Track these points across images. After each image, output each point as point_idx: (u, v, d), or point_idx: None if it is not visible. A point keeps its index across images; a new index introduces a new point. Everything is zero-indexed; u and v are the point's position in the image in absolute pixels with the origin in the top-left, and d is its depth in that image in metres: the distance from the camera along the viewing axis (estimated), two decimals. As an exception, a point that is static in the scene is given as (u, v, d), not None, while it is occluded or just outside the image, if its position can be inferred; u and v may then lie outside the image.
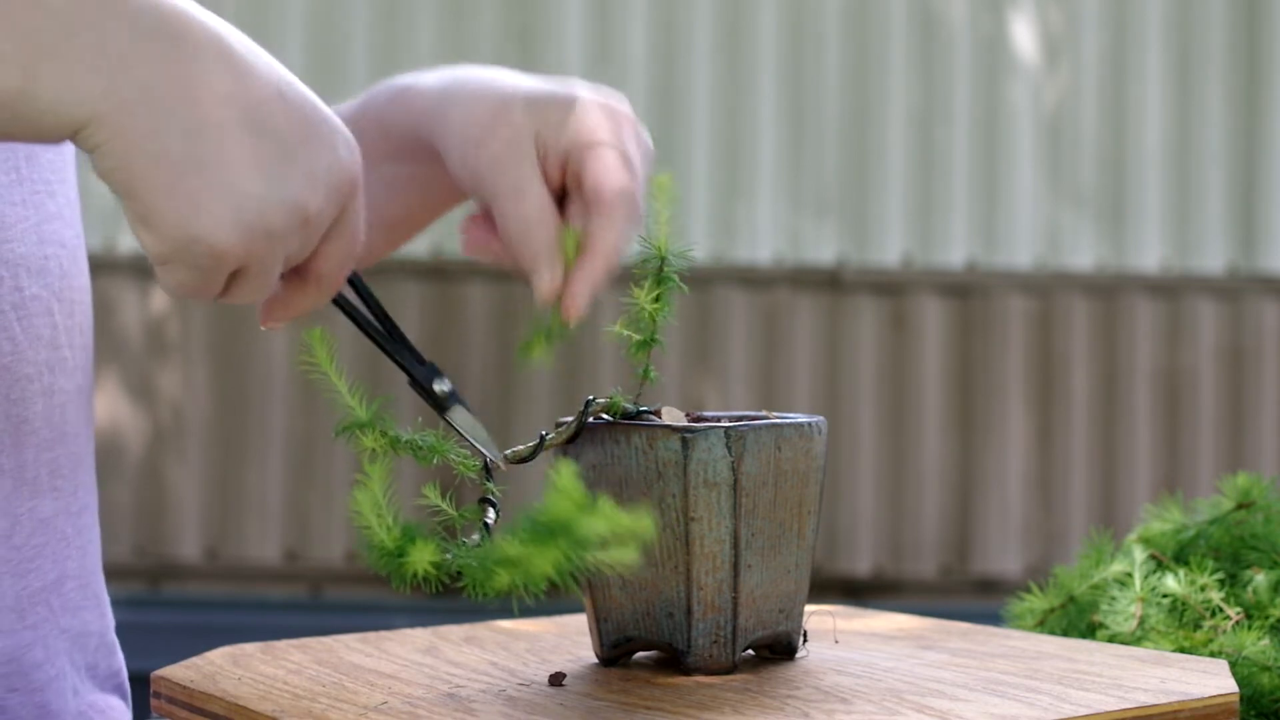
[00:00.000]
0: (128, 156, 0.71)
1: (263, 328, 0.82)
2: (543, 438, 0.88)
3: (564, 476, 0.70)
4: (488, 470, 0.88)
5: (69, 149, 0.99)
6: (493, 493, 0.87)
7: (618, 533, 0.70)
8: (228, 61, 0.73)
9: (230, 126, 0.72)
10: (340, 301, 0.84)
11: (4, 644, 0.91)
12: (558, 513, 0.70)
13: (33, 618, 0.92)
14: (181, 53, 0.71)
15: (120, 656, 1.03)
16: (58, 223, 0.96)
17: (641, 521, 0.70)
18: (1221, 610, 1.08)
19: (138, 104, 0.70)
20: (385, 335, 0.87)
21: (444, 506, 0.87)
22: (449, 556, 0.79)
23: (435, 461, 0.87)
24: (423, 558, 0.78)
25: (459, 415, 0.87)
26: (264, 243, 0.73)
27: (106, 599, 1.02)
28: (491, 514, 0.85)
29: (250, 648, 0.95)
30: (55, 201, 0.96)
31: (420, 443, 0.87)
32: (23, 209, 0.93)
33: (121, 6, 0.70)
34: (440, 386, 0.87)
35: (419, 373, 0.87)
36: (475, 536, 0.83)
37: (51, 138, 0.72)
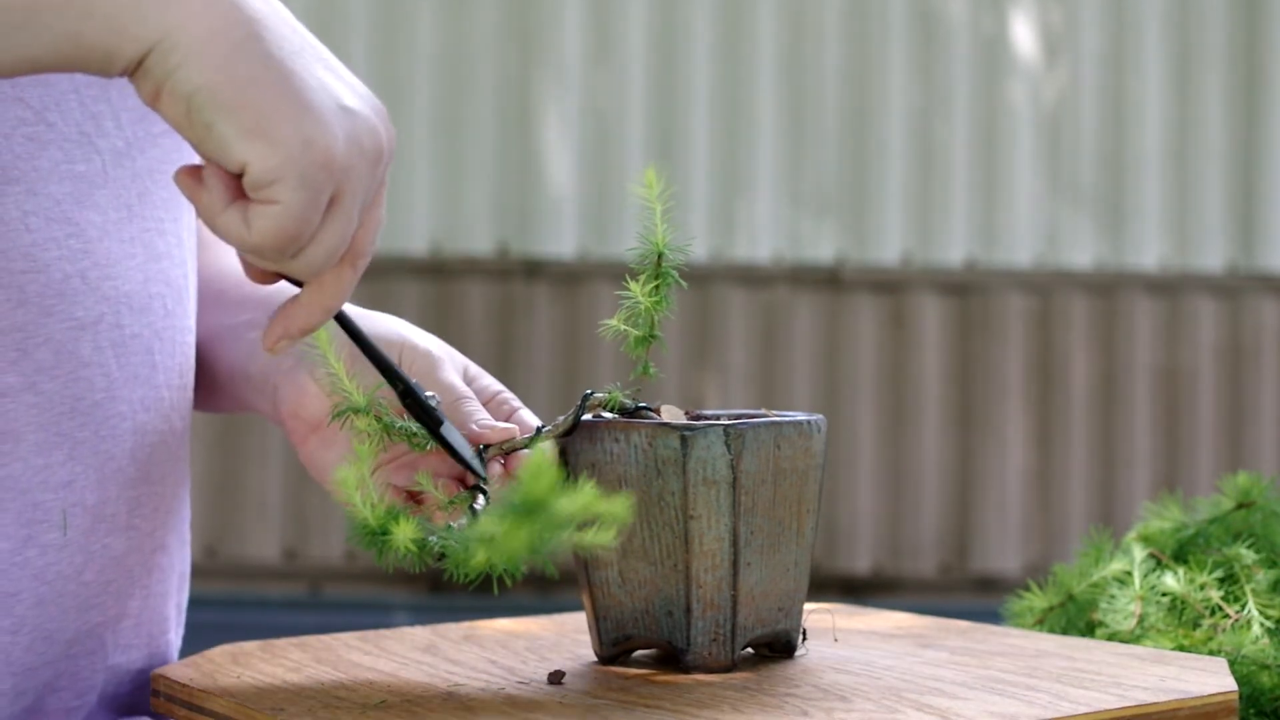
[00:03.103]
0: (226, 68, 0.70)
1: (268, 349, 0.81)
2: (539, 431, 0.89)
3: (539, 457, 0.70)
4: (481, 459, 0.88)
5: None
6: (484, 480, 0.87)
7: (592, 513, 0.71)
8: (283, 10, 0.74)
9: (307, 50, 0.73)
10: (341, 318, 0.84)
11: (45, 674, 0.90)
12: (532, 492, 0.71)
13: (77, 649, 0.92)
14: None
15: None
16: (166, 261, 0.95)
17: (618, 507, 0.71)
18: (1221, 609, 1.08)
19: (221, 19, 0.70)
20: (381, 354, 0.87)
21: (435, 492, 0.87)
22: (432, 538, 0.79)
23: (429, 448, 0.88)
24: (405, 535, 0.79)
25: (451, 431, 0.88)
26: (359, 158, 0.73)
27: (166, 640, 1.00)
28: (481, 500, 0.86)
29: (249, 646, 0.95)
30: (165, 240, 0.95)
31: (414, 429, 0.87)
32: (131, 246, 0.92)
33: None
34: (433, 403, 0.87)
35: (419, 388, 0.87)
36: (463, 520, 0.83)
37: (118, 58, 0.71)
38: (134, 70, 0.71)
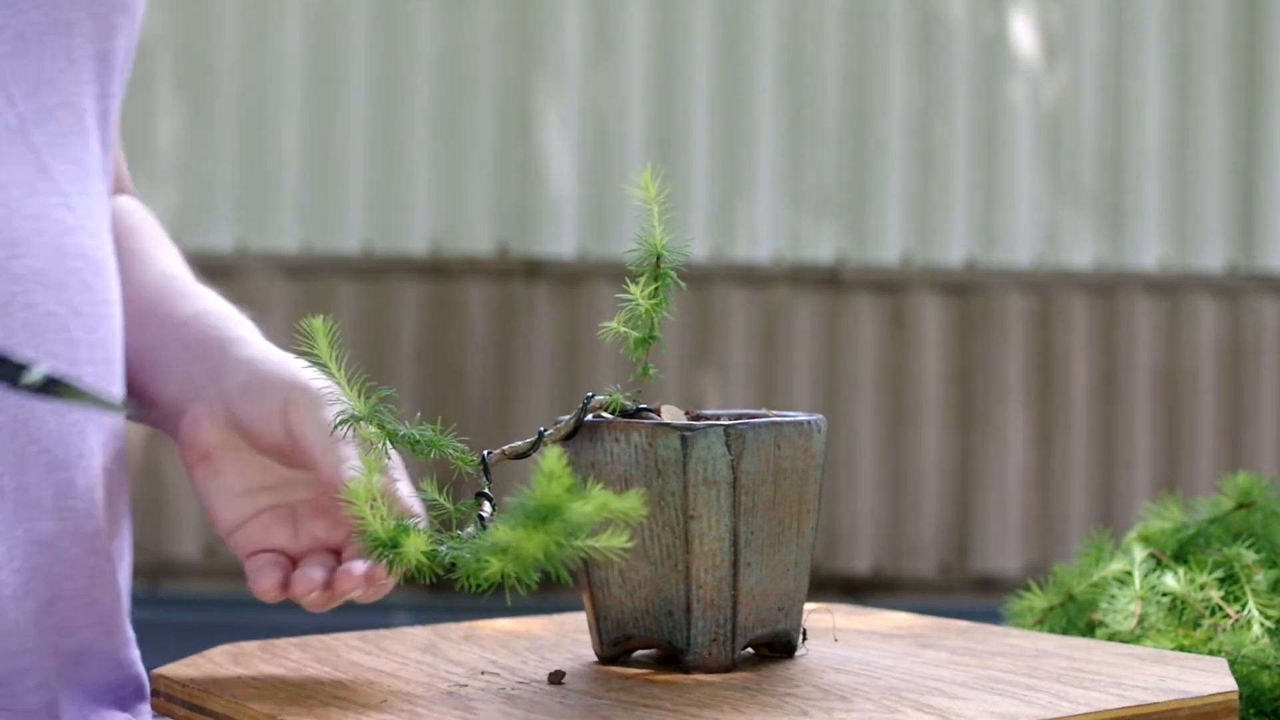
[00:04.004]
0: None
1: None
2: (541, 434, 0.88)
3: (552, 461, 0.69)
4: (485, 465, 0.88)
5: (92, 158, 0.97)
6: (489, 487, 0.87)
7: (607, 517, 0.70)
8: None
9: None
10: None
11: (2, 669, 0.90)
12: (547, 498, 0.70)
13: (32, 641, 0.91)
14: None
15: (131, 671, 1.01)
16: (79, 235, 0.93)
17: (631, 503, 0.70)
18: (1221, 609, 1.08)
19: None
20: None
21: (440, 500, 0.87)
22: (442, 548, 0.79)
23: (433, 455, 0.87)
24: (415, 548, 0.78)
25: (41, 372, 0.84)
26: None
27: (121, 619, 0.99)
28: (487, 507, 0.85)
29: (249, 646, 0.95)
30: (74, 214, 0.93)
31: (418, 436, 0.87)
32: (38, 222, 0.91)
33: None
34: (31, 375, 0.84)
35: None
36: (470, 529, 0.83)
37: None
38: None
